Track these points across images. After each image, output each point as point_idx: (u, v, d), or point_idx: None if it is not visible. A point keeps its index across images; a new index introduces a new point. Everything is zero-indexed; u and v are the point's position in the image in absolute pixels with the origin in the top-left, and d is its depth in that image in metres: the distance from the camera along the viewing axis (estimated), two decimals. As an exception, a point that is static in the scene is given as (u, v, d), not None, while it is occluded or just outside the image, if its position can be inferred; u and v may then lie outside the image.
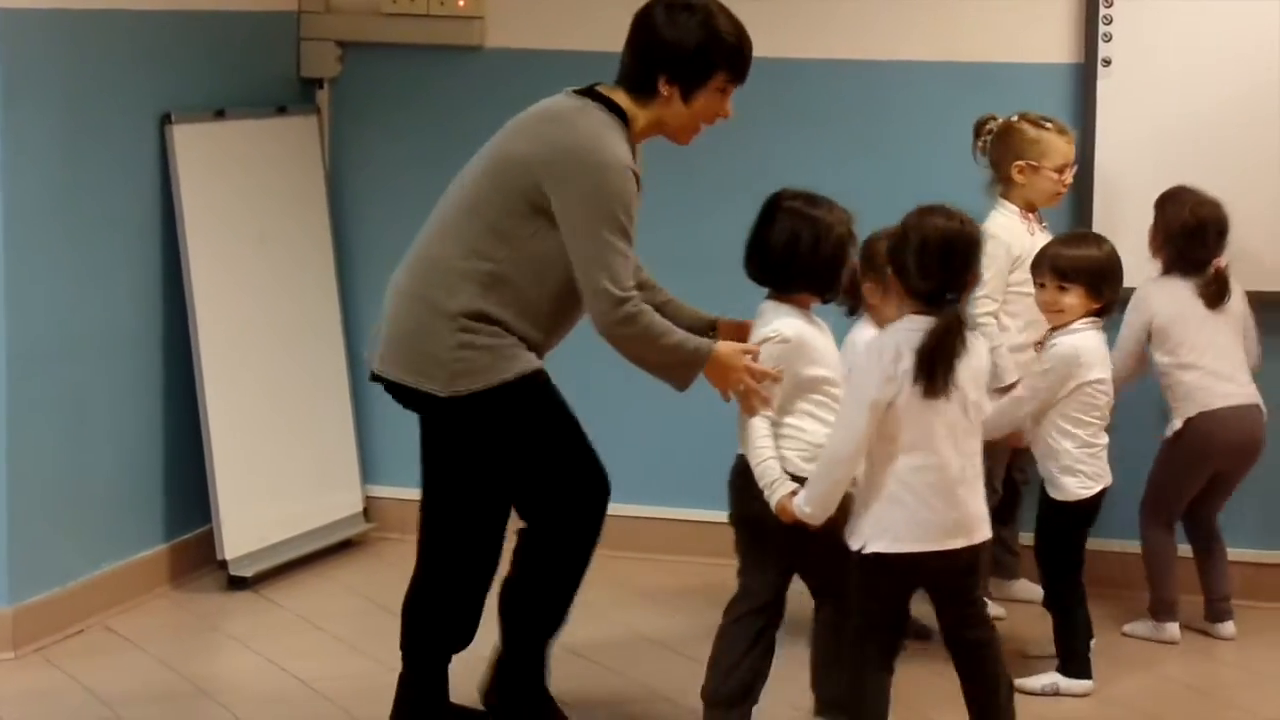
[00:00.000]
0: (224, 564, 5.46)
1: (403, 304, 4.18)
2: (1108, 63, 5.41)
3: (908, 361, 3.95)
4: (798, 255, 4.15)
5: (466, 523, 4.31)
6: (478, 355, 4.08)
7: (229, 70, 5.66)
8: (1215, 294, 5.07)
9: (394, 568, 5.72)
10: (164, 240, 5.40)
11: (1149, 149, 5.31)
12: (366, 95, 5.98)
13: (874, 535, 4.00)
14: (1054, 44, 5.44)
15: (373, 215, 6.01)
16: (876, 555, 4.00)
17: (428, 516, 4.36)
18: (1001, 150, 5.05)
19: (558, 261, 4.08)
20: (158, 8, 5.36)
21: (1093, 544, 4.87)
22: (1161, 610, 5.18)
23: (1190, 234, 5.06)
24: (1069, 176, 5.10)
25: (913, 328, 3.98)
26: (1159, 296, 5.11)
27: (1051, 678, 4.79)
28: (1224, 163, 5.26)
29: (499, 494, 4.29)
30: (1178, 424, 5.12)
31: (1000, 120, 5.07)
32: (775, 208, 4.20)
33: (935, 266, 3.96)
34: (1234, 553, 5.30)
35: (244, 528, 5.51)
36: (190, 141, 5.43)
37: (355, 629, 5.24)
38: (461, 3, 5.85)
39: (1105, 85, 5.40)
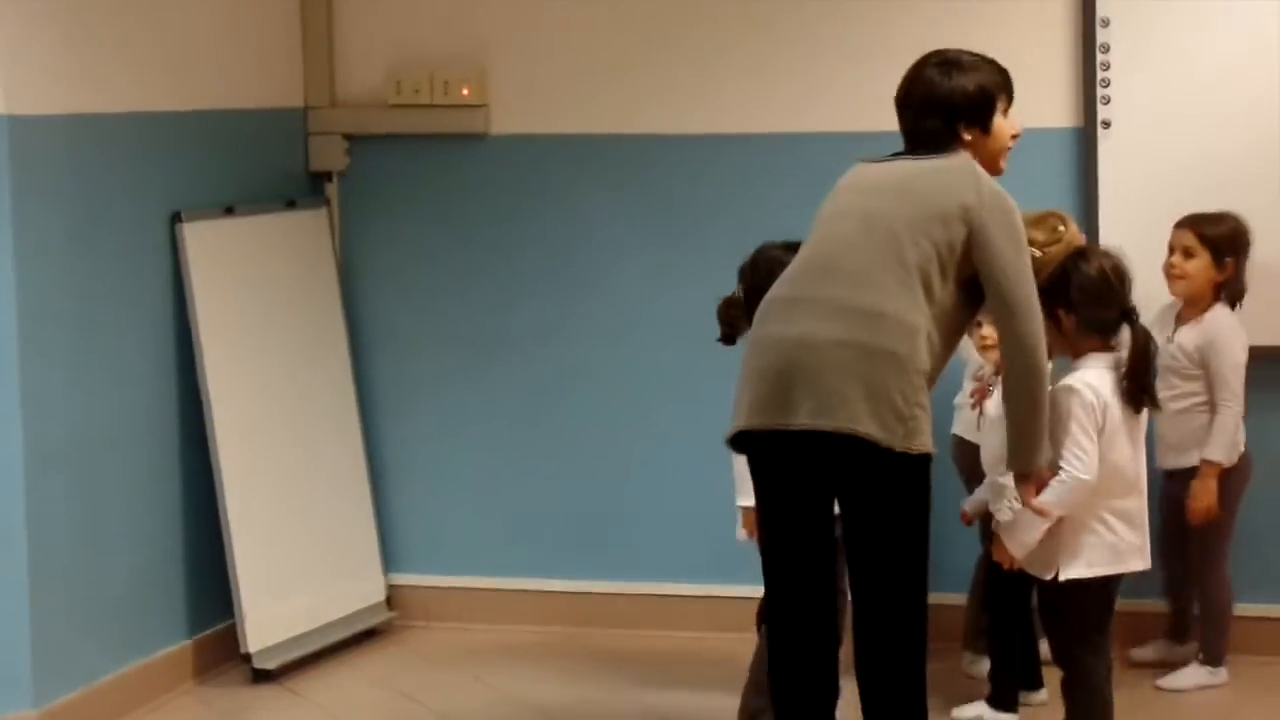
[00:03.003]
0: (248, 657, 5.46)
1: (855, 356, 4.05)
2: (1107, 124, 5.44)
3: (1106, 394, 4.33)
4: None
5: (921, 582, 4.18)
6: (923, 416, 4.06)
7: (238, 167, 5.72)
8: None
9: (418, 656, 5.75)
10: (178, 337, 5.44)
11: (1152, 208, 5.32)
12: (375, 187, 6.03)
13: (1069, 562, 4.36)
14: (1053, 109, 5.47)
15: (385, 304, 6.05)
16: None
17: (865, 581, 4.17)
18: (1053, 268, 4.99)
19: (952, 322, 4.16)
20: (166, 109, 5.42)
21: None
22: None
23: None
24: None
25: (1099, 365, 4.37)
26: None
27: (978, 709, 4.93)
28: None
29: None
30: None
31: (1039, 253, 5.01)
32: (757, 260, 4.50)
33: (1117, 292, 4.39)
34: (1245, 607, 5.33)
35: (267, 620, 5.52)
36: (201, 239, 5.48)
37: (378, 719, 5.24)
38: (466, 91, 5.90)
39: (1106, 147, 5.43)
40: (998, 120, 4.30)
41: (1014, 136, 4.34)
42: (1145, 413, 4.44)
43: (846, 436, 4.01)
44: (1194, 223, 5.20)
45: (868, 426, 4.00)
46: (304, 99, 6.02)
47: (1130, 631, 5.28)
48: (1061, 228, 5.04)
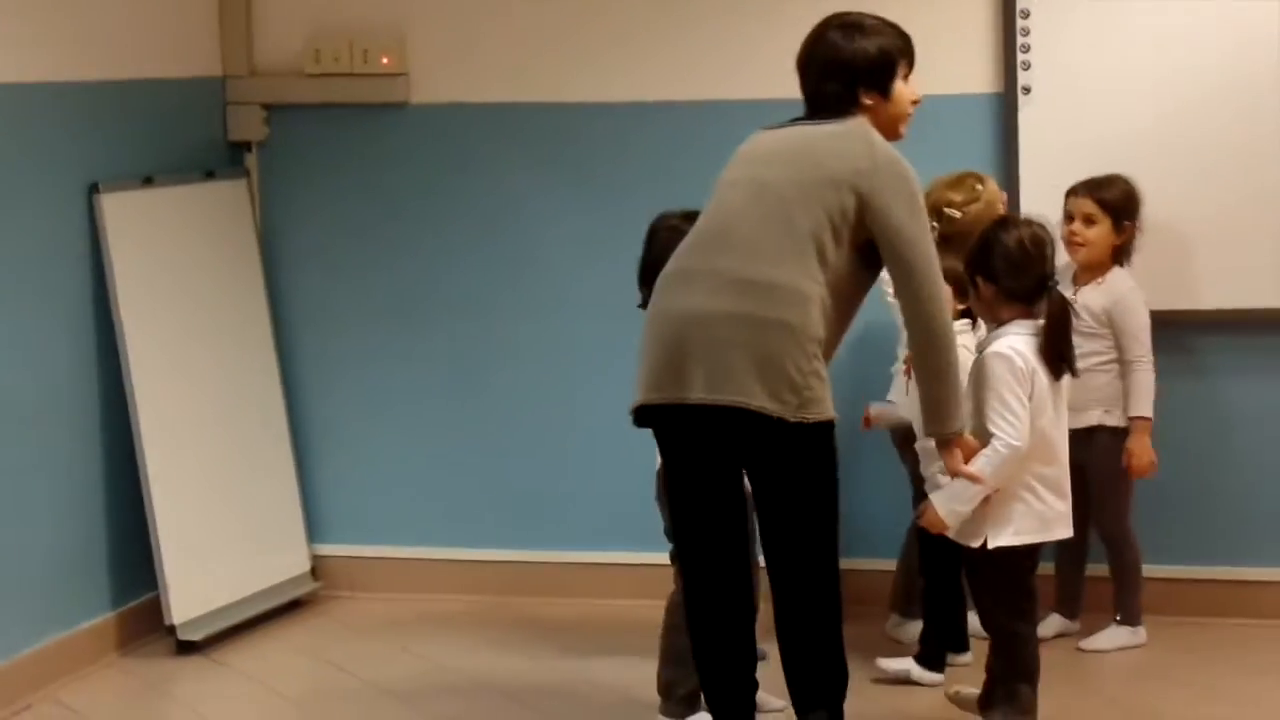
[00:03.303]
0: (172, 629, 5.44)
1: (746, 327, 4.07)
2: (1028, 90, 5.47)
3: (1033, 360, 4.35)
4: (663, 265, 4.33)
5: (831, 547, 4.20)
6: (820, 385, 4.08)
7: (156, 137, 5.67)
8: None
9: (343, 626, 5.74)
10: (96, 309, 5.40)
11: (1072, 174, 5.34)
12: (295, 157, 5.99)
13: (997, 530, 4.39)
14: (973, 75, 5.50)
15: (306, 275, 6.02)
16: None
17: (776, 549, 4.20)
18: (975, 228, 4.97)
19: (850, 288, 4.18)
20: (82, 78, 5.37)
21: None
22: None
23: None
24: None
25: (1023, 331, 4.38)
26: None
27: (905, 663, 5.00)
28: (1149, 183, 5.29)
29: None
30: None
31: (958, 213, 5.04)
32: (656, 230, 4.57)
33: (1033, 261, 4.38)
34: (1154, 568, 5.41)
35: (191, 592, 5.49)
36: (119, 210, 5.43)
37: (306, 689, 5.23)
38: (385, 60, 5.87)
39: (1026, 114, 5.47)
40: (898, 85, 4.31)
41: (914, 102, 4.35)
42: (1066, 379, 4.47)
43: (740, 410, 4.05)
44: (1090, 189, 5.25)
45: (760, 400, 4.04)
46: (222, 68, 5.97)
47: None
48: (979, 186, 5.09)
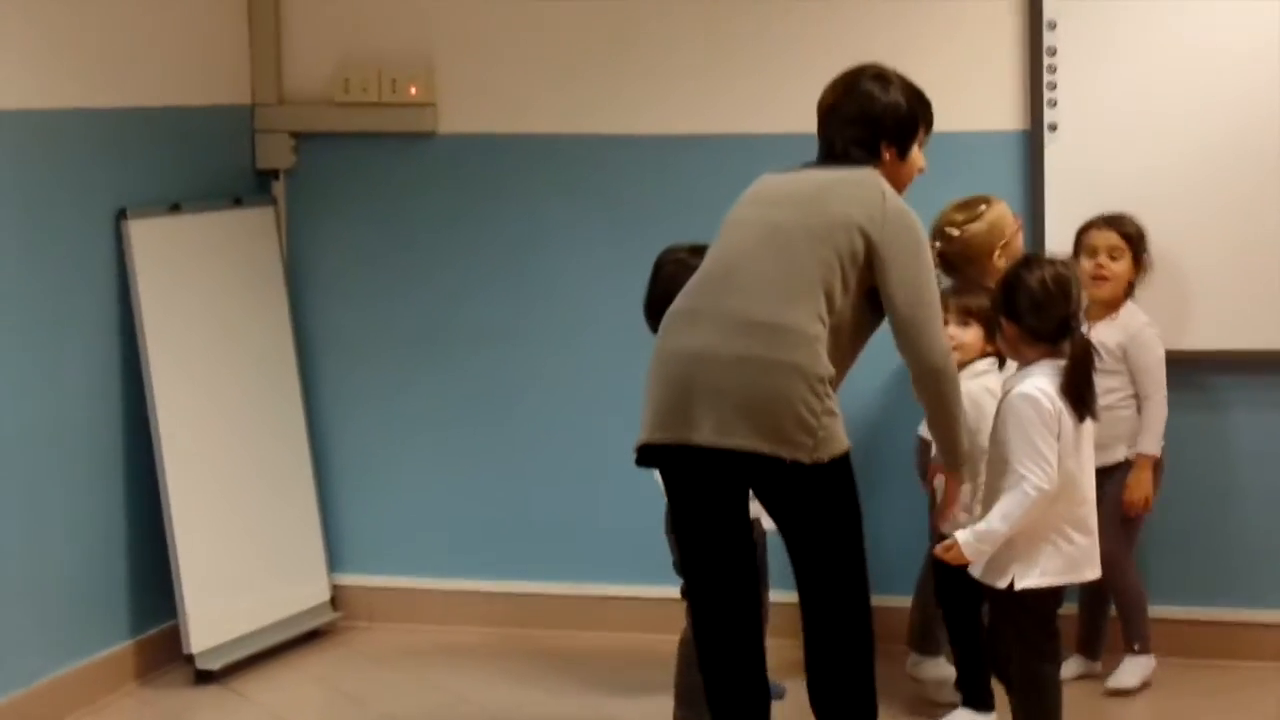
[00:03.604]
0: (191, 658, 5.43)
1: (753, 370, 4.07)
2: (1054, 128, 5.46)
3: (1059, 402, 4.32)
4: (672, 300, 4.34)
5: (862, 580, 4.20)
6: (833, 422, 4.10)
7: (184, 164, 5.69)
8: None
9: (362, 657, 5.73)
10: (122, 335, 5.40)
11: (1098, 212, 5.31)
12: (322, 185, 6.00)
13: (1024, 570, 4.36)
14: (1000, 112, 5.49)
15: (331, 303, 6.02)
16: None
17: (809, 587, 4.19)
18: (975, 249, 5.03)
19: (854, 329, 4.20)
20: (111, 105, 5.38)
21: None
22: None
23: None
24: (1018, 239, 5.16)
25: (1049, 371, 4.34)
26: None
27: (958, 716, 4.88)
28: (1174, 221, 5.29)
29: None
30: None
31: (956, 231, 5.04)
32: (662, 264, 4.61)
33: (1056, 302, 4.34)
34: (1169, 610, 5.41)
35: (210, 621, 5.49)
36: (146, 236, 5.44)
37: None
38: (414, 90, 5.88)
39: (1052, 151, 5.45)
40: (915, 150, 4.36)
41: (920, 170, 4.39)
42: (1090, 419, 4.45)
43: (754, 455, 4.05)
44: (1112, 223, 5.23)
45: (774, 445, 4.04)
46: (251, 96, 5.99)
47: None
48: (984, 207, 5.07)
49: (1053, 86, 5.44)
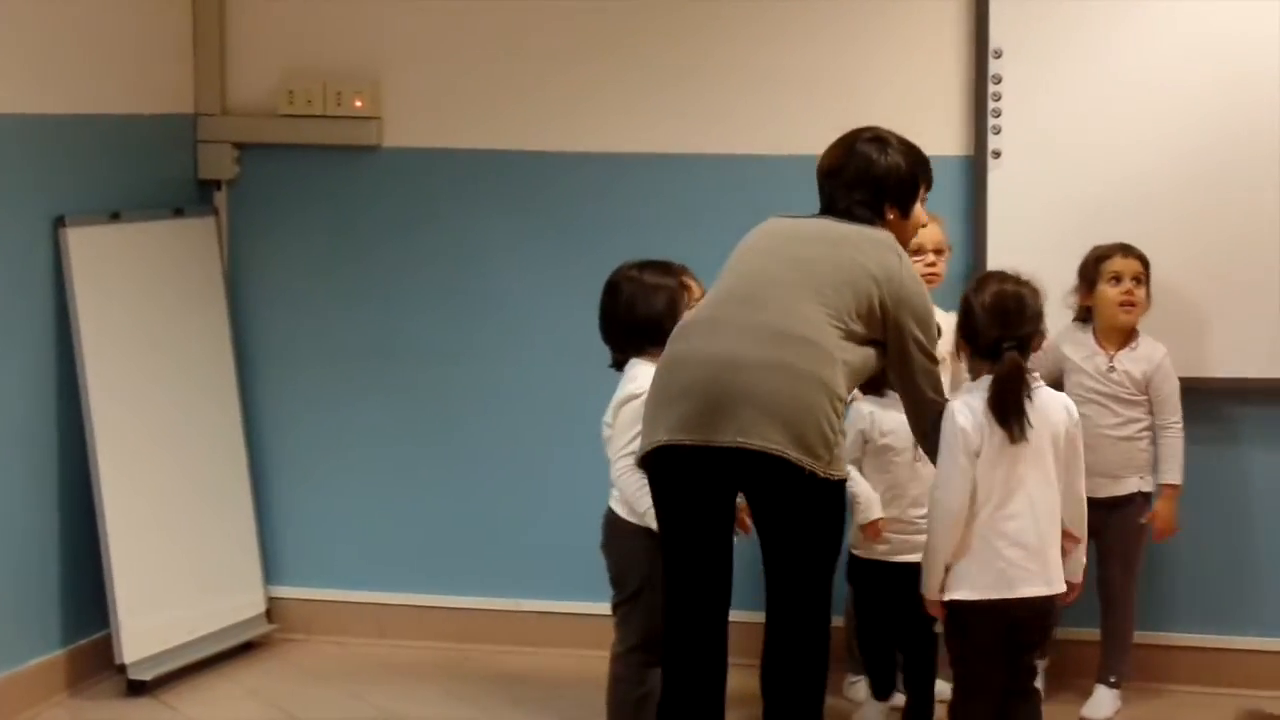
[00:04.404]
0: (123, 668, 5.39)
1: (784, 377, 4.11)
2: (998, 154, 5.49)
3: (982, 416, 4.33)
4: (635, 317, 4.53)
5: (828, 596, 4.27)
6: (842, 443, 4.18)
7: (125, 173, 5.65)
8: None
9: (297, 670, 5.70)
10: (59, 343, 5.36)
11: (1041, 238, 5.37)
12: (265, 196, 5.98)
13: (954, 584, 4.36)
14: (943, 137, 5.52)
15: (272, 316, 5.99)
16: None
17: (778, 589, 4.24)
18: None
19: (860, 371, 4.27)
20: (51, 111, 5.35)
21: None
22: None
23: None
24: (937, 261, 5.19)
25: (979, 386, 4.36)
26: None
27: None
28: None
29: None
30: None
31: None
32: (617, 283, 4.62)
33: (991, 322, 4.36)
34: (1149, 635, 5.42)
35: (143, 631, 5.45)
36: (85, 244, 5.41)
37: (256, 733, 5.20)
38: (359, 103, 5.87)
39: (995, 176, 5.48)
40: (916, 206, 4.44)
41: (922, 225, 4.51)
42: (1080, 437, 4.45)
43: (774, 457, 4.08)
44: (1130, 251, 5.23)
45: (797, 451, 4.09)
46: (194, 105, 5.96)
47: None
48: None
49: (997, 114, 5.47)
